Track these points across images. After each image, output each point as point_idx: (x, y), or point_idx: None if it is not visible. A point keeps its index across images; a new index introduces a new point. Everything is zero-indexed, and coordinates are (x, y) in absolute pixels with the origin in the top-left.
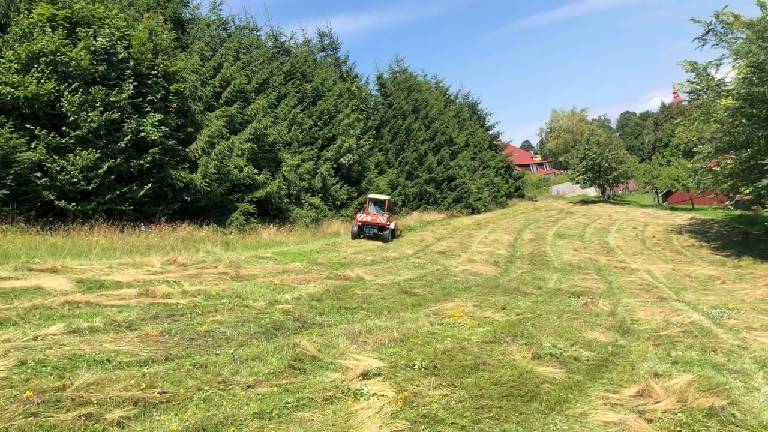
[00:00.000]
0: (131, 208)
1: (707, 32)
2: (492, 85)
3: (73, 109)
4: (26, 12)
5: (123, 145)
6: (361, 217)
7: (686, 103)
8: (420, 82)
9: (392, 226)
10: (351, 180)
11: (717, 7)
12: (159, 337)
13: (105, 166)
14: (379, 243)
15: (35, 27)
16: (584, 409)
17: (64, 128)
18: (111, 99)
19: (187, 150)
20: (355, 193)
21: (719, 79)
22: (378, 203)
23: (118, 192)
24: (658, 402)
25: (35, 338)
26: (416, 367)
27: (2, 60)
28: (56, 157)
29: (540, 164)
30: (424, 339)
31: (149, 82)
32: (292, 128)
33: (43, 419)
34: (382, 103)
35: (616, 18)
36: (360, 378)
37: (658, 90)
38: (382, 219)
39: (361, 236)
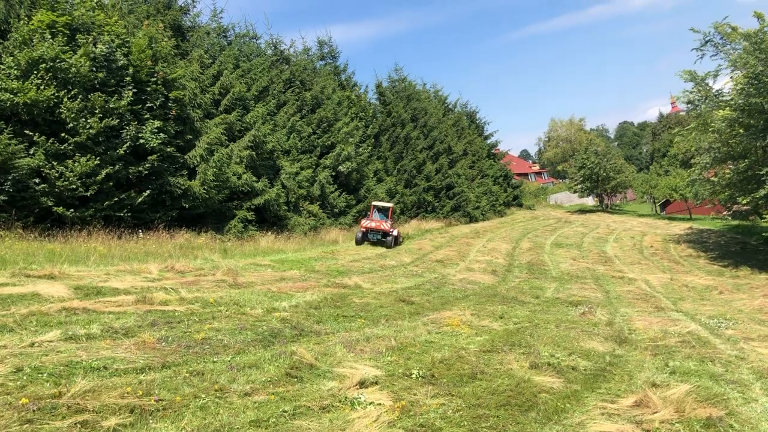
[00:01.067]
0: (129, 214)
1: (705, 43)
2: (490, 93)
3: (72, 115)
4: (26, 18)
5: (122, 151)
6: (366, 223)
7: (684, 113)
8: (419, 91)
9: (395, 232)
10: (349, 188)
11: (715, 19)
12: (156, 345)
13: (103, 173)
14: (378, 251)
15: (35, 33)
16: (582, 419)
17: (63, 135)
18: (110, 106)
19: (185, 157)
20: (354, 201)
21: (717, 90)
22: (382, 210)
23: (116, 198)
24: (656, 412)
25: (32, 345)
26: (413, 375)
27: (2, 66)
28: (55, 164)
29: (538, 173)
30: (422, 348)
31: (148, 89)
32: (291, 136)
33: (39, 426)
34: (381, 111)
35: (615, 28)
36: (357, 386)
37: (657, 100)
38: (385, 225)
39: (365, 242)
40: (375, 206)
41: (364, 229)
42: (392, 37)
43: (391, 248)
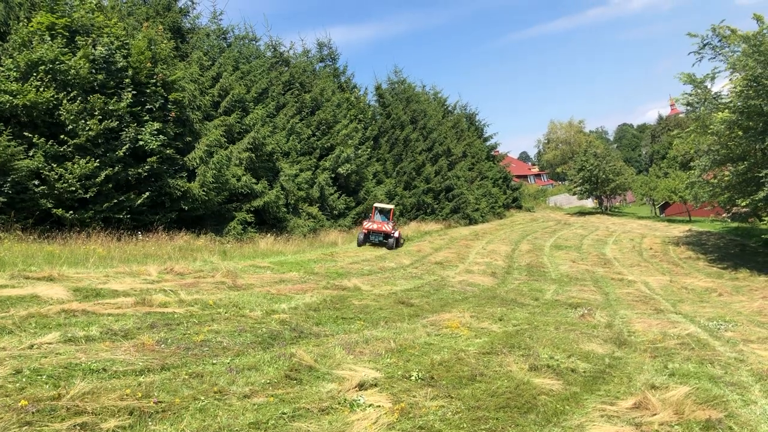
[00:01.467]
0: (128, 216)
1: (703, 46)
2: (490, 95)
3: (71, 117)
4: (26, 20)
5: (121, 153)
6: (367, 224)
7: (683, 115)
8: (418, 93)
9: (396, 234)
10: (349, 190)
11: (713, 21)
12: (155, 347)
13: (103, 175)
14: (377, 253)
15: (34, 35)
16: (581, 421)
17: (62, 136)
18: (109, 108)
19: (185, 159)
20: (353, 203)
21: (716, 93)
22: (383, 212)
23: (115, 200)
24: (655, 414)
25: (31, 347)
26: (413, 378)
27: (1, 68)
28: (54, 166)
29: (537, 175)
30: (421, 350)
31: (148, 91)
32: (291, 138)
33: (38, 428)
34: (380, 113)
35: (614, 30)
36: (356, 389)
37: (656, 102)
38: (387, 227)
39: (367, 243)
40: (376, 208)
41: (365, 231)
42: (392, 38)
43: (392, 249)
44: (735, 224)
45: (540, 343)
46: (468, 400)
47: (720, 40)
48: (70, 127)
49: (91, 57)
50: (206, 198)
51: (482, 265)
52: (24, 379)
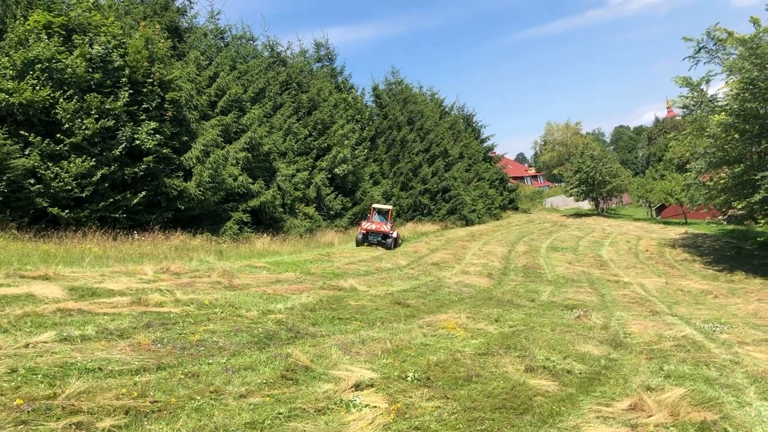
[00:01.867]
0: (124, 216)
1: (699, 50)
2: (488, 96)
3: (67, 116)
4: (22, 19)
5: (117, 152)
6: (366, 225)
7: (680, 118)
8: (415, 94)
9: (395, 234)
10: (345, 190)
11: (710, 24)
12: (151, 346)
13: (99, 174)
14: (374, 253)
15: (31, 34)
16: (577, 423)
17: (58, 135)
18: (106, 107)
19: (181, 158)
20: (350, 204)
21: (712, 95)
22: (382, 213)
23: (111, 200)
24: (651, 416)
25: (26, 346)
26: (409, 378)
27: None
28: (50, 164)
29: (534, 177)
30: (417, 350)
31: (145, 90)
32: (288, 138)
33: (34, 427)
34: (377, 114)
35: (611, 32)
36: (352, 389)
37: (652, 104)
38: (385, 227)
39: (365, 243)
40: (375, 209)
41: (364, 231)
42: (390, 39)
43: (391, 249)
44: (731, 227)
45: (536, 344)
46: (464, 401)
47: (715, 44)
48: (67, 125)
49: (88, 56)
50: (202, 198)
51: (478, 266)
52: (19, 378)
